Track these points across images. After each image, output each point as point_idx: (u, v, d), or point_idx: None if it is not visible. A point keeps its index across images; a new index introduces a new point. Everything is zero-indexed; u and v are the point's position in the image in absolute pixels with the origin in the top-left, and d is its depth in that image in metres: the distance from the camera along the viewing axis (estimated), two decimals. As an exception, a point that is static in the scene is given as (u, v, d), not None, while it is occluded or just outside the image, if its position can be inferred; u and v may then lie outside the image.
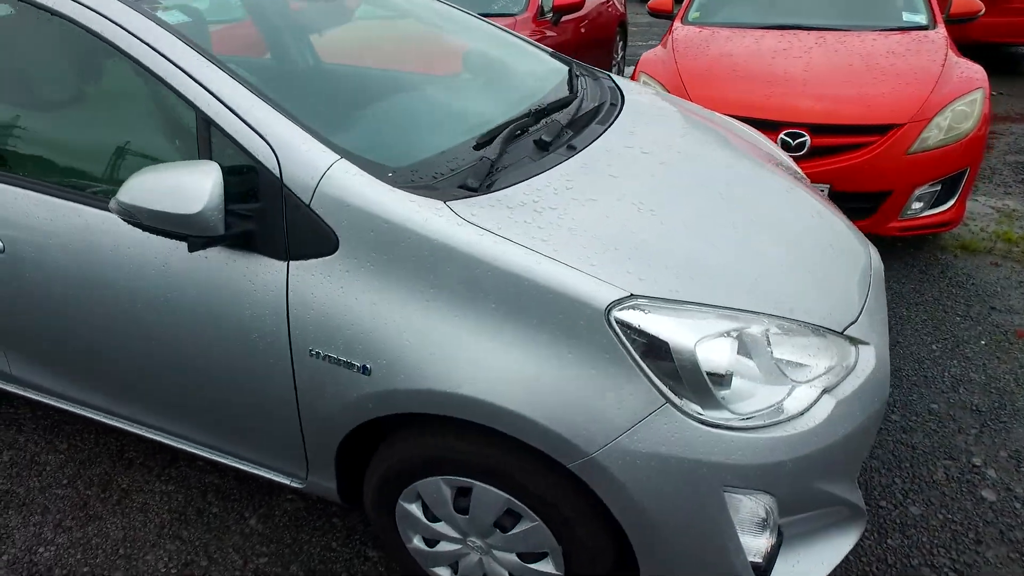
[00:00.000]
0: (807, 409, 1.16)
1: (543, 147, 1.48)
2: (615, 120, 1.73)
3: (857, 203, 2.85)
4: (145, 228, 1.20)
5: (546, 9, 4.59)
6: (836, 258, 1.45)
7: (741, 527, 1.17)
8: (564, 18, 4.72)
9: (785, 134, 2.82)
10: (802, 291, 1.29)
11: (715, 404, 1.10)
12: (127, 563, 1.67)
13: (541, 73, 2.04)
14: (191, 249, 1.19)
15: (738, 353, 1.13)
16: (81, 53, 1.45)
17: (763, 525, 1.19)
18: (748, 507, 1.16)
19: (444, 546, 1.42)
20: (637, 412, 1.08)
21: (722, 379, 1.10)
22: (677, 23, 3.88)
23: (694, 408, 1.09)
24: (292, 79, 1.56)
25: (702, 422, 1.09)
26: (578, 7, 4.57)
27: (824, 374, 1.21)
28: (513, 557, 1.35)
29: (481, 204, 1.21)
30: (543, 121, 1.59)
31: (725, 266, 1.25)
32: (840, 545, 1.31)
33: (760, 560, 1.19)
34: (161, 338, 1.39)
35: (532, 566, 1.34)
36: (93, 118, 1.48)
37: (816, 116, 2.82)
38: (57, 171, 1.47)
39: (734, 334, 1.13)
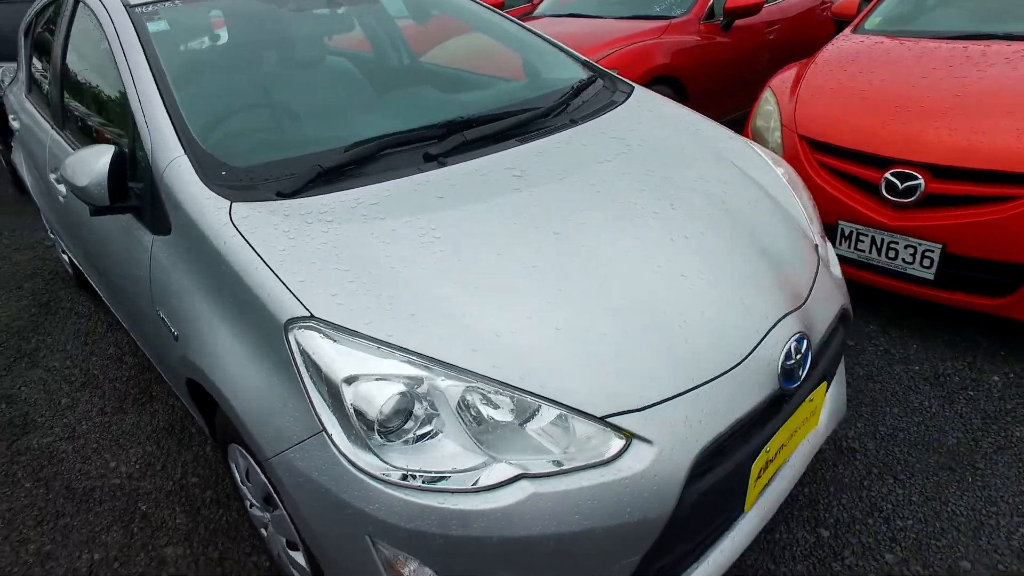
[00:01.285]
0: (491, 488, 1.02)
1: (429, 159, 1.49)
2: (532, 140, 1.63)
3: (983, 274, 2.15)
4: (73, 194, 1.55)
5: (717, 11, 4.21)
6: (663, 338, 1.17)
7: None
8: (740, 22, 4.27)
9: (892, 174, 2.24)
10: (573, 365, 1.10)
11: (368, 448, 1.04)
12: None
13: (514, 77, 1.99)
14: (91, 214, 1.51)
15: (428, 409, 1.05)
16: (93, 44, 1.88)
17: None
18: (411, 568, 1.08)
19: (255, 510, 1.56)
20: (300, 432, 1.08)
21: (382, 424, 1.04)
22: (846, 31, 3.27)
23: (347, 446, 1.05)
24: (218, 74, 1.79)
25: (350, 462, 1.04)
26: (756, 9, 4.10)
27: (538, 457, 1.05)
28: (282, 540, 1.43)
29: (270, 208, 1.30)
30: (446, 131, 1.58)
31: (476, 319, 1.12)
32: None
33: None
34: (111, 270, 1.80)
35: (291, 553, 1.41)
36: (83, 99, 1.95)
37: (941, 153, 2.18)
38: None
39: (410, 384, 1.04)
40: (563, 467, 1.04)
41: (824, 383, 1.43)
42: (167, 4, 1.84)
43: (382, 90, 1.91)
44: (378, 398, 1.03)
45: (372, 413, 1.03)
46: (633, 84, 2.15)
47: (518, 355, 1.09)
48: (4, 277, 3.40)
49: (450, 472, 1.02)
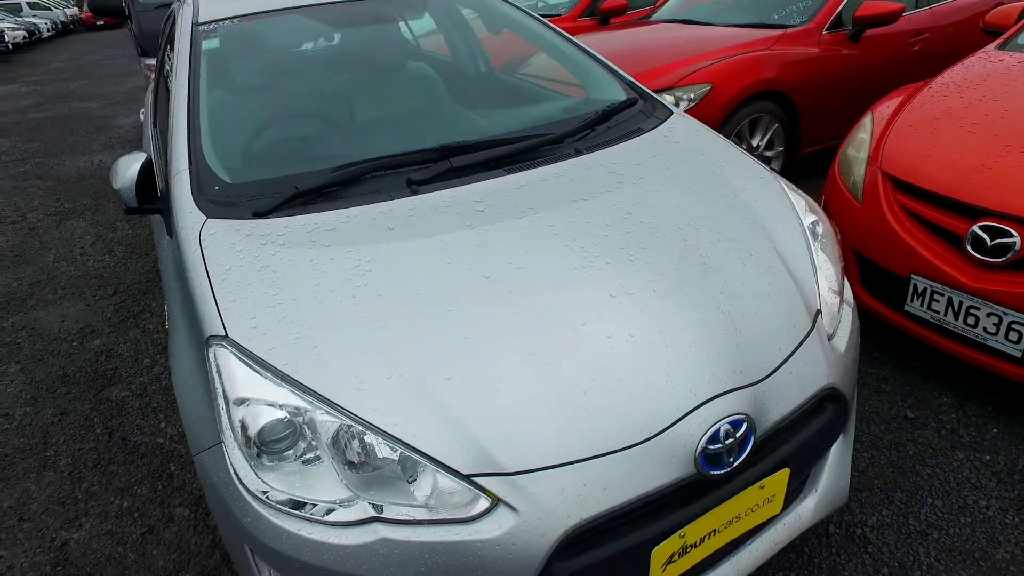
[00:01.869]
0: (344, 524, 1.05)
1: (409, 185, 1.53)
2: (519, 171, 1.60)
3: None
4: None
5: (846, 20, 3.76)
6: (564, 402, 1.10)
7: None
8: (872, 32, 3.79)
9: (980, 227, 1.90)
10: (455, 417, 1.08)
11: (258, 466, 1.11)
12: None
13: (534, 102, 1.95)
14: (124, 212, 1.74)
15: (311, 439, 1.09)
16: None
17: None
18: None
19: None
20: (210, 439, 1.18)
21: (262, 445, 1.10)
22: (990, 47, 2.79)
23: (238, 460, 1.12)
24: (248, 93, 1.93)
25: (236, 475, 1.12)
26: (892, 17, 3.61)
27: (401, 503, 1.05)
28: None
29: (238, 227, 1.41)
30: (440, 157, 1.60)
31: (373, 359, 1.14)
32: None
33: None
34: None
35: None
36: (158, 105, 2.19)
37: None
38: None
39: (293, 413, 1.09)
40: (421, 518, 1.04)
41: (786, 470, 1.27)
42: (226, 23, 2.04)
43: (403, 110, 1.97)
44: (259, 420, 1.09)
45: (252, 433, 1.09)
46: (673, 109, 2.02)
47: (401, 401, 1.09)
48: (141, 242, 3.98)
49: (312, 500, 1.06)
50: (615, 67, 2.21)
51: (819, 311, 1.40)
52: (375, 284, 1.26)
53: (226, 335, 1.18)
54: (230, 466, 1.12)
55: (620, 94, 2.08)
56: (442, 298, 1.24)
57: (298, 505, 1.06)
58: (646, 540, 1.11)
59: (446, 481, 1.05)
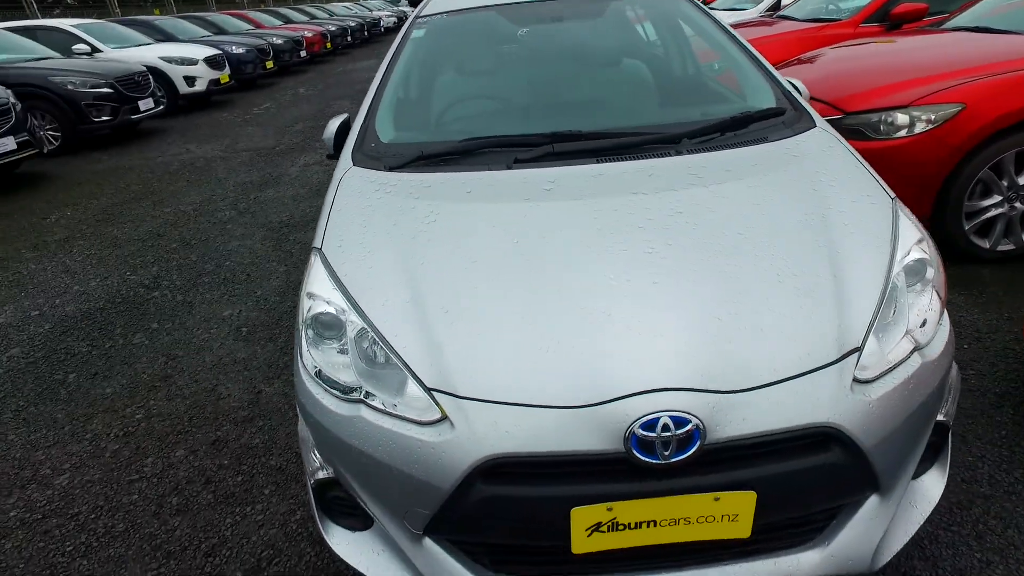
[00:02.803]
0: (341, 398, 1.37)
1: (516, 161, 1.80)
2: (609, 162, 1.72)
3: None
4: None
5: None
6: (535, 355, 1.25)
7: None
8: None
9: None
10: (442, 343, 1.30)
11: (312, 345, 1.48)
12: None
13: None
14: (327, 158, 2.31)
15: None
16: None
17: None
18: (310, 440, 1.51)
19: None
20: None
21: (310, 328, 1.47)
22: None
23: (301, 339, 1.51)
24: (427, 72, 2.30)
25: (300, 349, 1.51)
26: None
27: (383, 396, 1.33)
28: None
29: (370, 177, 1.82)
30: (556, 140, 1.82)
31: (402, 286, 1.42)
32: None
33: None
34: None
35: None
36: None
37: None
38: None
39: (338, 311, 1.44)
40: (389, 411, 1.31)
41: (752, 493, 1.22)
42: (438, 16, 2.50)
43: (553, 100, 2.19)
44: (316, 310, 1.47)
45: (309, 318, 1.48)
46: (818, 123, 1.89)
47: (407, 321, 1.37)
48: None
49: (334, 378, 1.41)
50: (778, 75, 2.12)
51: (857, 350, 1.27)
52: (431, 232, 1.55)
53: (320, 247, 1.60)
54: (300, 343, 1.53)
55: (769, 102, 2.00)
56: (474, 252, 1.48)
57: (325, 379, 1.42)
58: (566, 497, 1.21)
59: (415, 389, 1.30)
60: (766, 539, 1.34)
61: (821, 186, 1.60)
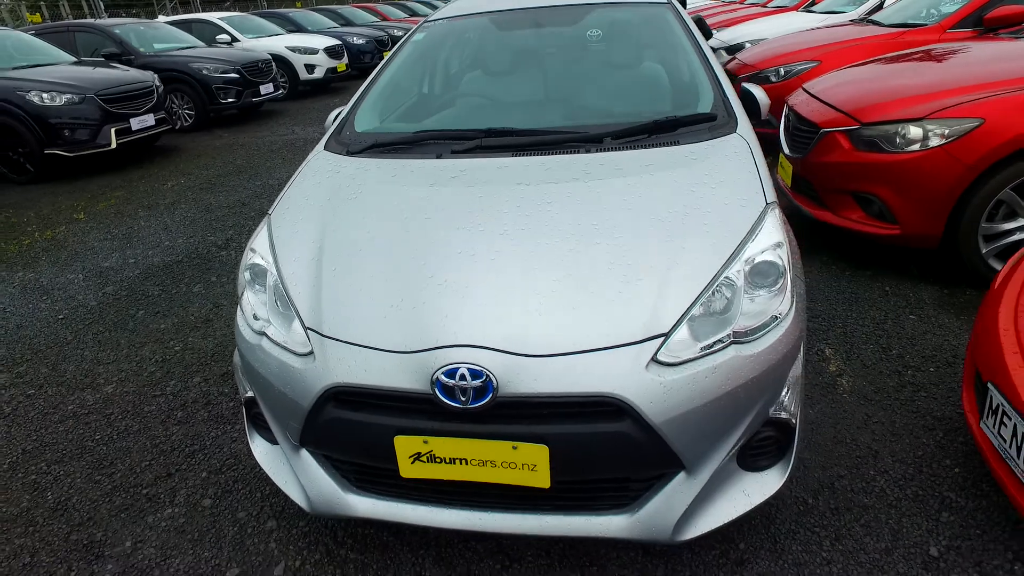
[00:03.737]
0: (254, 330, 1.71)
1: (452, 152, 2.07)
2: (524, 156, 1.94)
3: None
4: None
5: None
6: (399, 310, 1.52)
7: None
8: None
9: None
10: (334, 293, 1.61)
11: (249, 288, 1.84)
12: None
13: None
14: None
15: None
16: None
17: None
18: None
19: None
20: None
21: (254, 278, 1.82)
22: None
23: (241, 283, 1.88)
24: (414, 71, 2.57)
25: (241, 290, 1.88)
26: None
27: (279, 330, 1.66)
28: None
29: (332, 158, 2.16)
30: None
31: (318, 243, 1.75)
32: None
33: None
34: None
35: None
36: None
37: None
38: None
39: (265, 263, 1.78)
40: (279, 342, 1.63)
41: (545, 447, 1.41)
42: (441, 21, 2.80)
43: (508, 98, 2.41)
44: (252, 261, 1.82)
45: (247, 266, 1.83)
46: (739, 130, 1.98)
47: (308, 274, 1.69)
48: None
49: (255, 314, 1.75)
50: (725, 85, 2.20)
51: (664, 335, 1.42)
52: (349, 205, 1.87)
53: (271, 213, 1.96)
54: (239, 285, 1.90)
55: (705, 108, 2.11)
56: (373, 223, 1.77)
57: (248, 315, 1.78)
58: (390, 425, 1.47)
59: (298, 327, 1.61)
60: (579, 497, 1.52)
61: (701, 187, 1.72)
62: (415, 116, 2.44)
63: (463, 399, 1.40)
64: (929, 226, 2.95)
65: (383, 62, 2.66)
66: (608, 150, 1.95)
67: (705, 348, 1.44)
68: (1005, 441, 1.53)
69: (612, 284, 1.48)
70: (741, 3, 11.43)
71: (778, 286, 1.55)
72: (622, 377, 1.38)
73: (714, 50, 7.09)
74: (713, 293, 1.49)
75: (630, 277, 1.49)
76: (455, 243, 1.63)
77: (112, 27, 8.85)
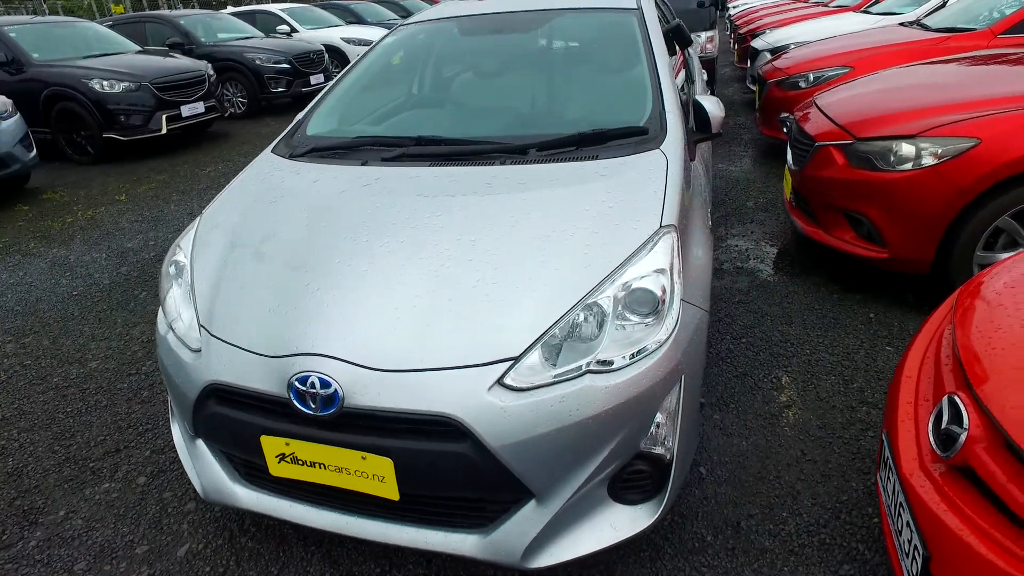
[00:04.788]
0: (166, 325, 1.80)
1: (382, 159, 2.11)
2: (440, 166, 1.95)
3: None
4: None
5: None
6: (277, 314, 1.57)
7: None
8: None
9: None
10: (230, 298, 1.68)
11: (172, 284, 1.94)
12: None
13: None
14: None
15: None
16: None
17: None
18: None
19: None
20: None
21: (178, 274, 1.92)
22: None
23: (165, 277, 1.97)
24: (370, 76, 2.59)
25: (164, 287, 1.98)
26: None
27: (176, 323, 1.74)
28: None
29: (273, 159, 2.24)
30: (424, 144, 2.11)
31: (222, 249, 1.82)
32: None
33: None
34: None
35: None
36: None
37: None
38: None
39: (180, 266, 1.87)
40: (180, 336, 1.70)
41: (389, 460, 1.42)
42: (411, 25, 2.82)
43: (451, 106, 2.41)
44: (175, 257, 1.91)
45: (171, 262, 1.93)
46: (663, 147, 1.91)
47: (211, 271, 1.76)
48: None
49: (168, 307, 1.84)
50: (668, 97, 2.12)
51: (513, 359, 1.40)
52: (266, 207, 1.94)
53: (204, 211, 2.05)
54: (162, 278, 1.99)
55: (638, 122, 2.04)
56: (279, 227, 1.83)
57: (164, 308, 1.87)
58: (256, 425, 1.52)
59: (195, 324, 1.69)
60: (435, 512, 1.53)
61: (598, 205, 1.68)
62: (362, 120, 2.48)
63: (313, 406, 1.44)
64: (919, 251, 2.74)
65: (350, 64, 2.71)
66: (532, 162, 1.92)
67: (558, 376, 1.41)
68: (888, 497, 1.42)
69: (472, 304, 1.47)
70: (805, 2, 10.87)
71: (654, 316, 1.49)
72: (462, 398, 1.37)
73: (757, 52, 6.79)
74: (578, 319, 1.46)
75: (493, 298, 1.48)
76: (337, 254, 1.66)
77: (178, 18, 9.37)
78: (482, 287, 1.50)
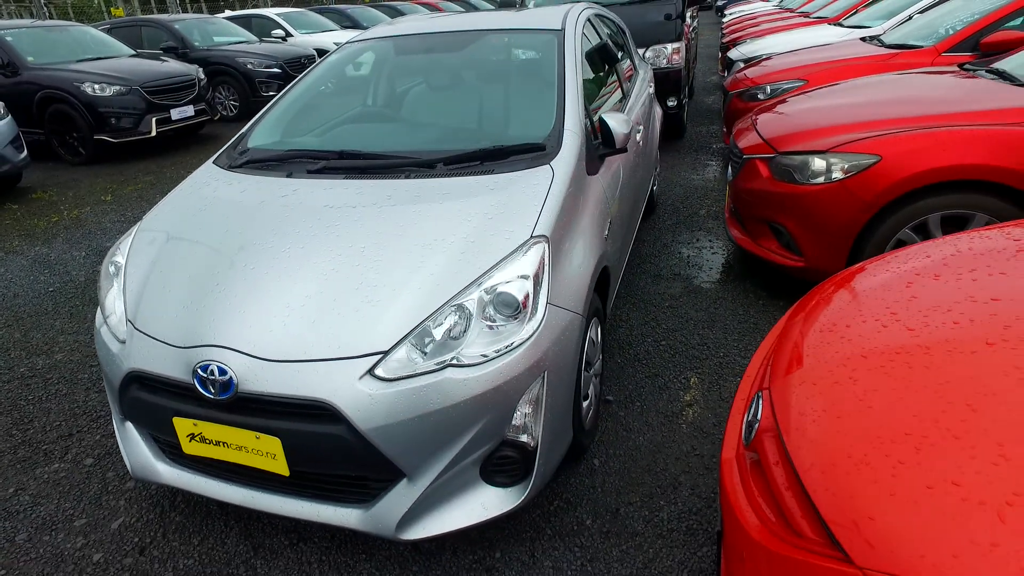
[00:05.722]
0: (102, 317, 1.99)
1: (305, 171, 2.29)
2: (352, 179, 2.13)
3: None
4: None
5: None
6: (194, 307, 1.76)
7: None
8: None
9: None
10: (154, 292, 1.88)
11: (109, 283, 2.13)
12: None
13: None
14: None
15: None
16: None
17: None
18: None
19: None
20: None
21: (116, 274, 2.10)
22: None
23: (105, 277, 2.16)
24: (316, 91, 2.78)
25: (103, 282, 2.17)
26: None
27: (109, 318, 1.93)
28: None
29: (212, 170, 2.42)
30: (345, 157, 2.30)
31: (152, 252, 2.01)
32: None
33: None
34: None
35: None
36: None
37: None
38: None
39: (117, 267, 2.06)
40: (112, 329, 1.89)
41: (277, 440, 1.60)
42: (355, 43, 3.01)
43: (378, 121, 2.60)
44: (115, 259, 2.10)
45: (110, 263, 2.11)
46: (552, 163, 2.08)
47: (140, 276, 1.95)
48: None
49: (102, 303, 2.03)
50: (569, 116, 2.29)
51: (382, 353, 1.57)
52: (193, 216, 2.12)
53: (142, 219, 2.24)
54: (101, 277, 2.18)
55: (538, 139, 2.22)
56: (202, 233, 2.02)
57: (101, 305, 2.06)
58: (169, 408, 1.71)
59: (123, 318, 1.88)
60: (323, 488, 1.71)
61: (479, 217, 1.86)
62: (297, 133, 2.67)
63: (213, 391, 1.62)
64: (830, 261, 2.90)
65: (295, 80, 2.90)
66: (438, 176, 2.10)
67: (422, 369, 1.58)
68: (722, 481, 1.59)
69: (354, 303, 1.65)
70: (792, 13, 11.02)
71: (517, 317, 1.67)
72: (336, 386, 1.55)
73: (732, 63, 6.96)
74: (445, 318, 1.63)
75: (371, 298, 1.66)
76: (244, 257, 1.84)
77: (173, 22, 9.61)
78: (363, 289, 1.68)
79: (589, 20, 3.13)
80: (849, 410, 1.15)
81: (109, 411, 2.71)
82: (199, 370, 1.63)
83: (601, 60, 3.10)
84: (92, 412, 2.72)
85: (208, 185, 2.31)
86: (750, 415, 1.42)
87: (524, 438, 1.70)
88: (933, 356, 1.19)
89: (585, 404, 2.12)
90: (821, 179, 2.85)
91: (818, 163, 2.86)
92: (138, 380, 1.78)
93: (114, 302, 1.98)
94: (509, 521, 1.99)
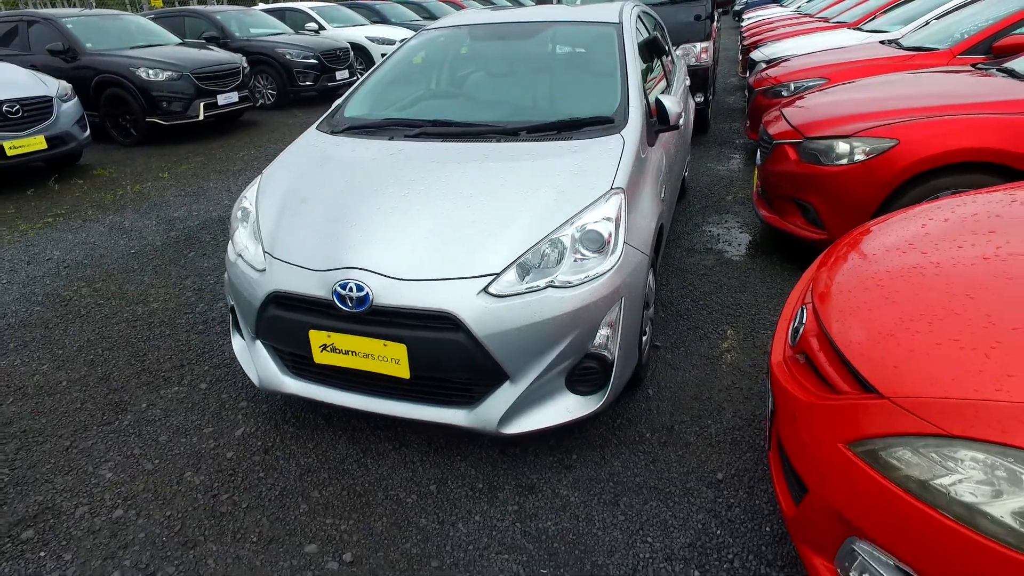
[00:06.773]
0: (235, 253, 2.36)
1: (404, 136, 2.66)
2: (451, 142, 2.50)
3: None
4: None
5: None
6: (333, 243, 2.11)
7: None
8: None
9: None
10: (290, 227, 2.24)
11: (240, 226, 2.50)
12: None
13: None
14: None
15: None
16: None
17: None
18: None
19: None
20: (247, 215, 2.65)
21: (244, 219, 2.48)
22: None
23: (235, 221, 2.54)
24: (402, 70, 3.17)
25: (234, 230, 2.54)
26: None
27: (245, 250, 2.30)
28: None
29: (318, 134, 2.80)
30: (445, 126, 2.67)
31: (280, 196, 2.39)
32: None
33: None
34: None
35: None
36: None
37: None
38: None
39: (250, 204, 2.43)
40: (248, 260, 2.26)
41: (403, 346, 1.97)
42: (432, 30, 3.39)
43: (464, 97, 2.98)
44: (243, 205, 2.48)
45: (239, 209, 2.49)
46: (622, 132, 2.44)
47: (273, 211, 2.32)
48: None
49: (236, 240, 2.40)
50: (633, 95, 2.65)
51: (495, 275, 1.94)
52: (313, 167, 2.50)
53: (263, 172, 2.61)
54: (232, 220, 2.55)
55: (608, 113, 2.58)
56: (326, 180, 2.39)
57: (234, 242, 2.43)
58: (306, 323, 2.07)
59: (260, 250, 2.25)
60: (436, 391, 2.07)
61: (567, 172, 2.22)
62: (390, 106, 3.04)
63: (350, 305, 1.99)
64: (851, 234, 3.25)
65: (380, 61, 3.27)
66: (521, 141, 2.47)
67: (528, 288, 1.95)
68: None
69: (468, 235, 2.02)
70: (810, 18, 11.34)
71: (602, 251, 2.03)
72: (458, 300, 1.92)
73: (754, 64, 7.30)
74: (544, 249, 2.00)
75: (483, 231, 2.02)
76: (371, 200, 2.21)
77: (214, 13, 10.02)
78: (476, 224, 2.05)
79: (639, 16, 3.49)
80: (877, 304, 1.51)
81: (211, 349, 3.08)
82: (338, 288, 1.99)
83: (649, 52, 3.46)
84: (196, 349, 3.09)
85: (317, 146, 2.69)
86: (796, 322, 1.77)
87: (603, 352, 2.06)
88: (941, 268, 1.55)
89: (643, 340, 2.48)
90: (844, 161, 3.20)
91: (842, 146, 3.21)
92: (277, 300, 2.14)
93: (246, 240, 2.34)
94: (581, 431, 2.35)
